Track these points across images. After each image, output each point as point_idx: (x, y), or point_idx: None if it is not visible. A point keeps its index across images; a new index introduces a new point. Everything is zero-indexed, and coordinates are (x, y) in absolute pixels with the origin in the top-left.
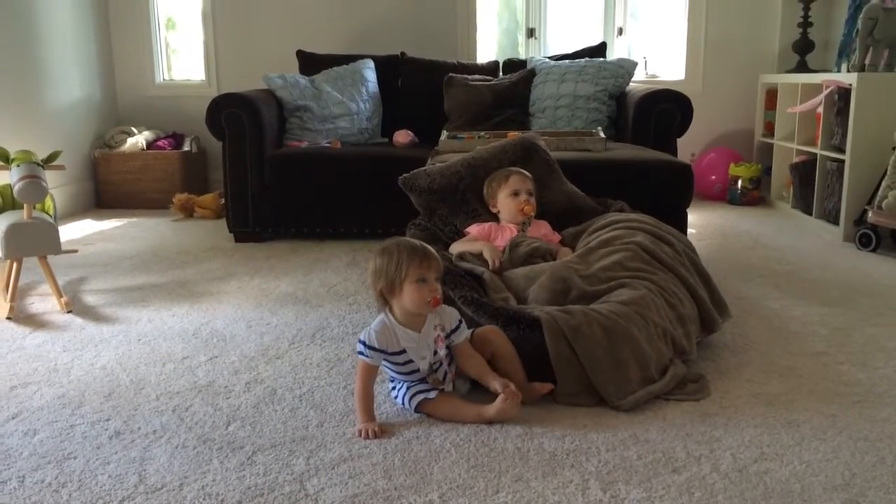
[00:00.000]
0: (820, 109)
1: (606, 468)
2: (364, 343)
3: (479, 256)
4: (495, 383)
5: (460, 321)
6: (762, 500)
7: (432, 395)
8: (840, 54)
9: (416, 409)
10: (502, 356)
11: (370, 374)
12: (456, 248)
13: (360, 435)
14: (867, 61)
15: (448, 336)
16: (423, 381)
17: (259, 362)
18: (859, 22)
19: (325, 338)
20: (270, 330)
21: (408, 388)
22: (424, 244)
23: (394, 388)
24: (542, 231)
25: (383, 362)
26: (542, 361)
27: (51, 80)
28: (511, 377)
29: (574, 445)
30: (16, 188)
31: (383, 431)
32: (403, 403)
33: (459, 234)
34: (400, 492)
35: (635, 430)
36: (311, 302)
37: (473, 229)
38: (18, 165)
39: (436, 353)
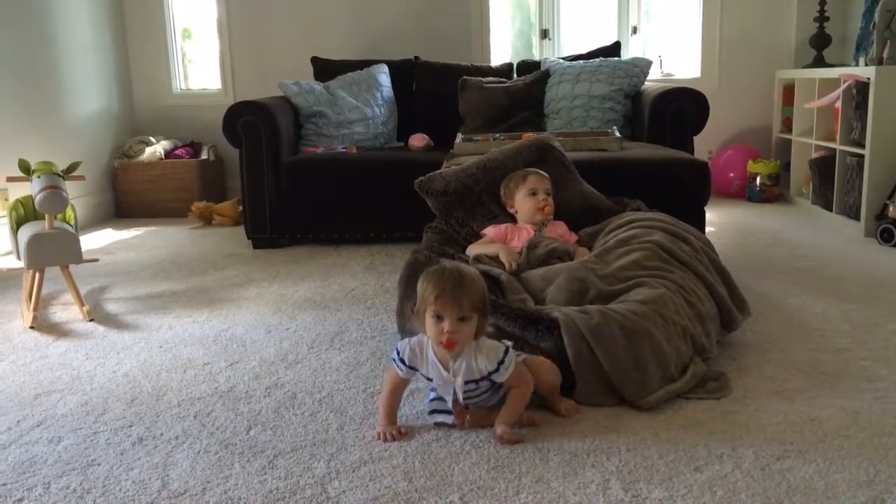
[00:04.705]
0: (838, 104)
1: (627, 467)
2: (398, 353)
3: (495, 259)
4: (500, 430)
5: (500, 362)
6: (785, 498)
7: (449, 420)
8: (857, 48)
9: (434, 422)
10: (547, 386)
11: (399, 384)
12: (472, 250)
13: (380, 438)
14: (885, 54)
15: (489, 376)
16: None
17: (279, 367)
18: (876, 15)
19: (344, 342)
20: (290, 335)
21: (430, 401)
22: (464, 276)
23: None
24: (559, 231)
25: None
26: (562, 362)
27: (70, 92)
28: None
29: (594, 445)
30: (37, 199)
31: (403, 434)
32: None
33: (476, 237)
34: (421, 494)
35: (656, 429)
36: (330, 306)
37: (490, 231)
38: (39, 177)
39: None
